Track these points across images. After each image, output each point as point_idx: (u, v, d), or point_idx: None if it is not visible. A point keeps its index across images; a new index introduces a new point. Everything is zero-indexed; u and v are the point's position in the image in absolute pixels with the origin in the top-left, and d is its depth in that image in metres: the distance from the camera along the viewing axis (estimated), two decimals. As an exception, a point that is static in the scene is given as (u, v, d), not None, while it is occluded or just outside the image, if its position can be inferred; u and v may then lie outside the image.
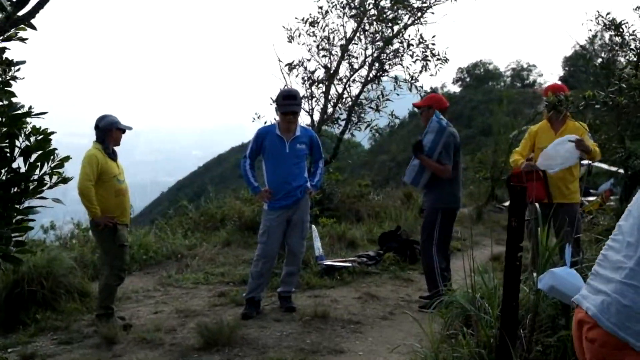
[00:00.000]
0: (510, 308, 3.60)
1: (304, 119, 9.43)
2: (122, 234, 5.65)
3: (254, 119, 9.09)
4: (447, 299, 4.83)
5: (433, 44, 9.55)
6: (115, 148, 5.85)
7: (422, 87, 9.79)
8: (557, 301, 3.78)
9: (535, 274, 3.90)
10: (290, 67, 9.32)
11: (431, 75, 9.72)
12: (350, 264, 7.74)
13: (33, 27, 2.54)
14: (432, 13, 9.73)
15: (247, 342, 5.11)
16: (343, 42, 9.64)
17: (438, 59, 9.48)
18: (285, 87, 8.58)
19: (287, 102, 5.90)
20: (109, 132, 5.66)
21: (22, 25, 2.51)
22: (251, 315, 5.81)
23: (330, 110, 9.60)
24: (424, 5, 9.66)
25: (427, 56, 9.52)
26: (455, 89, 57.55)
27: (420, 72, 9.64)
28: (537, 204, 4.50)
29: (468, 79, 57.99)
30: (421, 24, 9.69)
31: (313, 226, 8.24)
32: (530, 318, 3.81)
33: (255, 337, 5.26)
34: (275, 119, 5.96)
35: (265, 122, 8.15)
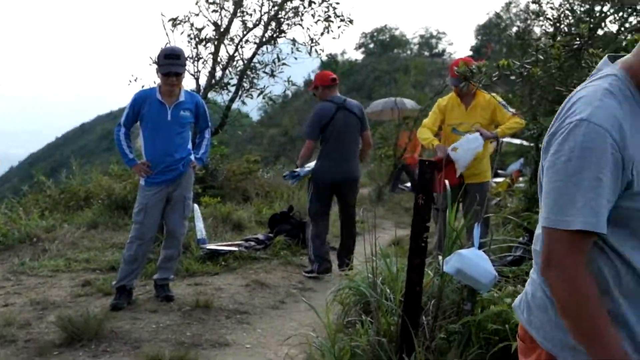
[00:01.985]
0: (414, 293, 3.77)
1: (189, 84, 9.30)
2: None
3: (130, 81, 8.89)
4: (345, 283, 5.02)
5: (337, 3, 9.67)
6: None
7: (322, 51, 9.93)
8: (462, 286, 4.01)
9: (440, 257, 4.12)
10: (175, 22, 9.16)
11: (333, 38, 9.87)
12: (236, 249, 7.80)
13: None
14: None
15: (118, 336, 5.07)
16: (236, -4, 9.59)
17: (342, 20, 9.62)
18: (168, 45, 8.44)
19: (170, 61, 5.82)
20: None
21: None
22: (122, 306, 5.76)
23: (219, 73, 9.55)
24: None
25: (329, 16, 9.64)
26: (358, 55, 58.50)
27: (322, 34, 9.76)
28: (446, 181, 4.73)
29: (372, 46, 58.98)
30: (325, -22, 9.78)
31: (195, 205, 8.22)
32: (434, 304, 4.01)
33: (127, 330, 5.23)
34: (155, 82, 5.88)
35: (143, 86, 8.00)
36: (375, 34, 59.29)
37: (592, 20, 6.06)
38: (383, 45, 58.14)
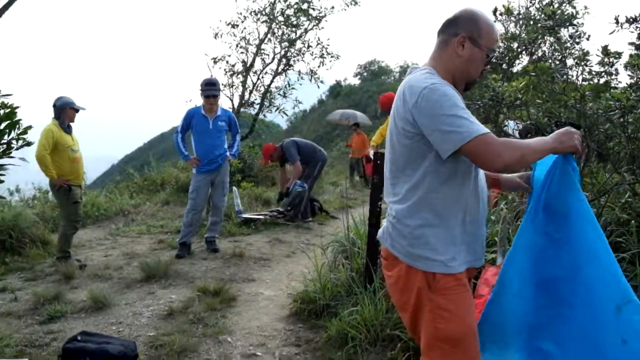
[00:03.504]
0: (373, 243, 3.92)
1: (226, 103, 9.56)
2: (75, 192, 5.63)
3: (187, 102, 9.18)
4: (332, 238, 5.19)
5: (328, 45, 9.85)
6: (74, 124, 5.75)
7: (318, 78, 10.11)
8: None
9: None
10: (215, 60, 9.38)
11: (327, 69, 10.13)
12: (263, 217, 7.88)
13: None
14: (326, 21, 10.06)
15: (180, 275, 5.25)
16: (257, 42, 9.78)
17: (332, 57, 9.80)
18: (208, 76, 8.67)
19: (209, 87, 5.96)
20: (64, 110, 5.57)
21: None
22: (183, 256, 5.93)
23: (247, 96, 9.76)
24: (320, 15, 9.95)
25: (323, 54, 9.82)
26: (356, 81, 58.03)
27: (319, 66, 9.96)
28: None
29: (365, 74, 58.49)
30: (319, 29, 9.99)
31: (234, 188, 8.34)
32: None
33: (186, 271, 5.40)
34: (201, 102, 6.12)
35: (196, 105, 8.26)
36: (367, 65, 58.77)
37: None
38: (373, 73, 57.55)
